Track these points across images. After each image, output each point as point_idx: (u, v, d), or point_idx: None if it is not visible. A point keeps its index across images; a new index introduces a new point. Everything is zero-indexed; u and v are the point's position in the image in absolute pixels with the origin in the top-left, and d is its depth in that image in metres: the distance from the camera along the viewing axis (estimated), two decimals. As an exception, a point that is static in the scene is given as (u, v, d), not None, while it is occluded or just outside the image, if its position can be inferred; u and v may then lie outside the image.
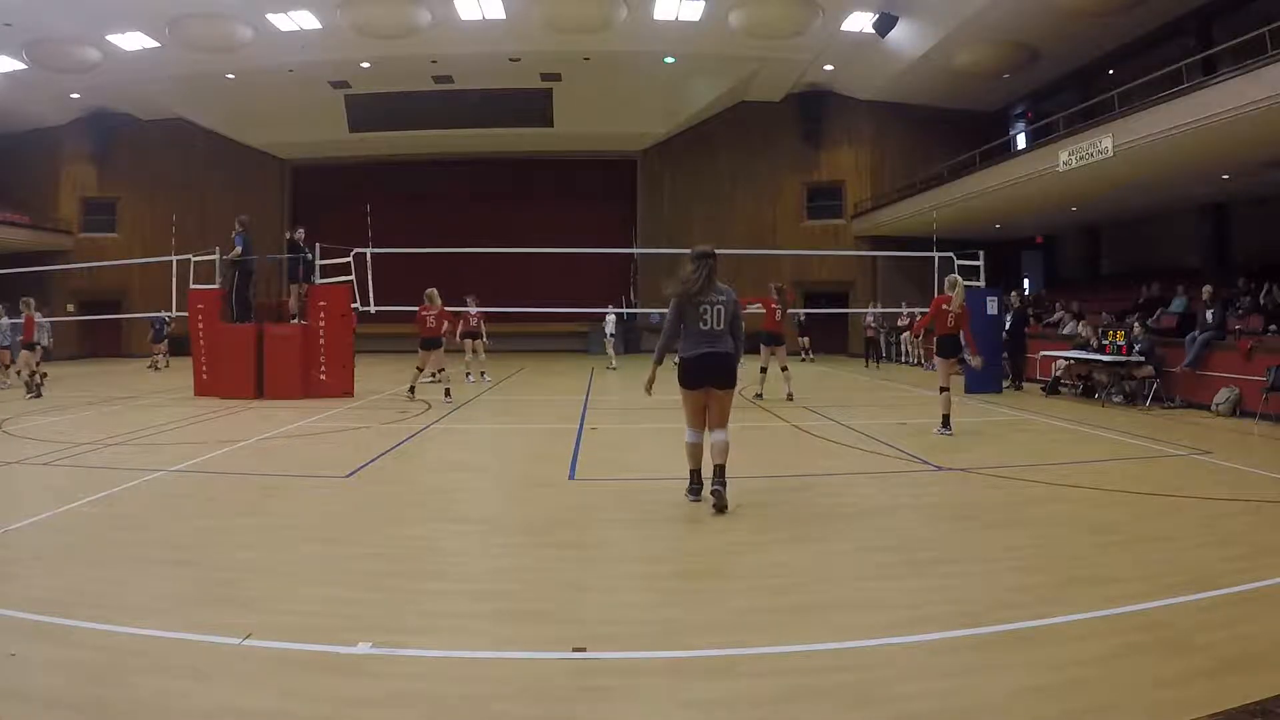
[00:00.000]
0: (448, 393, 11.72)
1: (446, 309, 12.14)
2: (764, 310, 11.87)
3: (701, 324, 5.21)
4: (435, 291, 11.87)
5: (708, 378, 5.22)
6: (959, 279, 9.24)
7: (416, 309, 11.92)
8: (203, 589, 3.80)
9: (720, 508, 5.12)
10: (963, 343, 9.12)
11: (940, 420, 8.64)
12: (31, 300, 13.56)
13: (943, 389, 8.81)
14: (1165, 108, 12.23)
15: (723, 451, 5.28)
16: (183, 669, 2.93)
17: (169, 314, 15.41)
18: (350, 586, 3.87)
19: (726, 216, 24.82)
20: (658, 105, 23.70)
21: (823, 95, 24.43)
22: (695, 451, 5.44)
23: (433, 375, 12.41)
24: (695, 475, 5.46)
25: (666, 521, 5.03)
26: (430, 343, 11.77)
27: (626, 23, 19.59)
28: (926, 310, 9.96)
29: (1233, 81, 10.96)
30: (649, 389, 5.65)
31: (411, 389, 11.99)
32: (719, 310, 5.22)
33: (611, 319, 18.21)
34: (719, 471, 5.24)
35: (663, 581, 3.99)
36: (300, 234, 13.38)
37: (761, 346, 12.21)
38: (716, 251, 5.38)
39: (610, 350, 18.45)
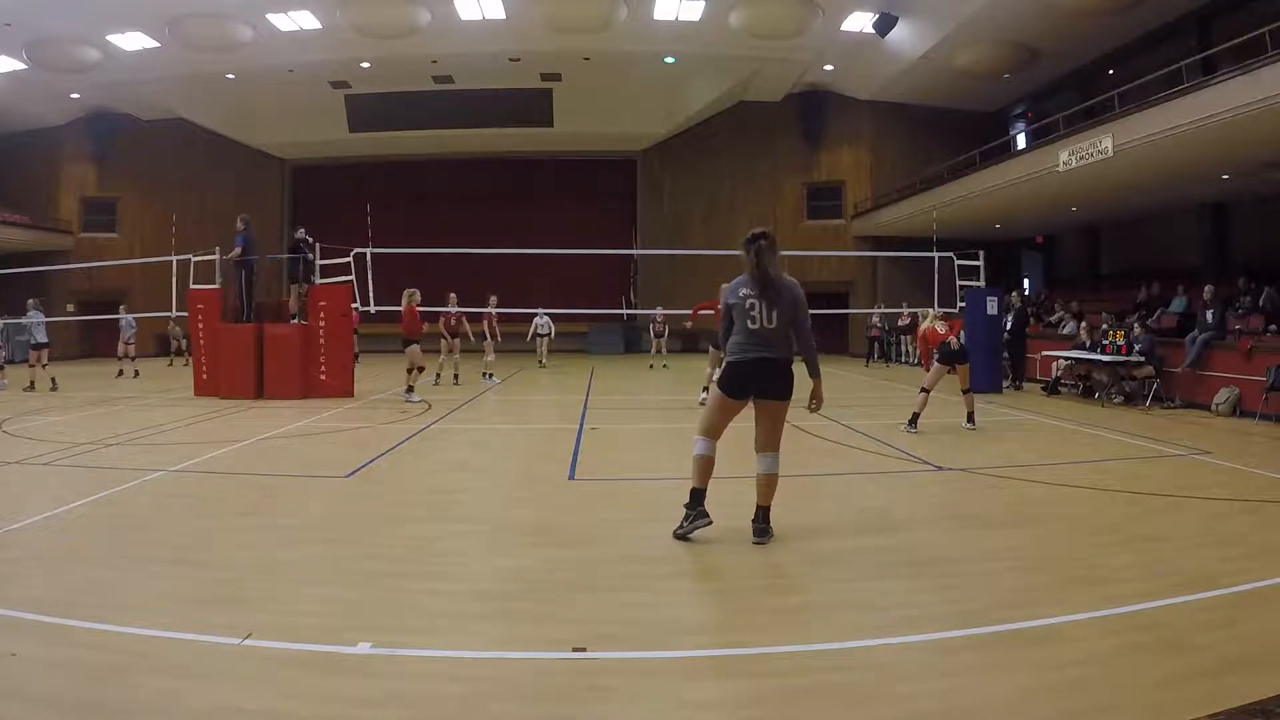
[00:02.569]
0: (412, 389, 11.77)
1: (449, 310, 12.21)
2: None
3: (750, 322, 4.35)
4: (416, 291, 12.00)
5: (756, 386, 4.42)
6: (930, 311, 10.06)
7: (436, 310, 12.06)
8: (203, 589, 3.80)
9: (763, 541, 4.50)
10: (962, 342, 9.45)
11: (909, 418, 8.88)
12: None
13: (924, 389, 9.02)
14: (1165, 108, 12.23)
15: (770, 489, 4.50)
16: (183, 669, 2.93)
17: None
18: (350, 586, 3.87)
19: (726, 216, 24.82)
20: (658, 105, 23.70)
21: (823, 95, 24.42)
22: (707, 467, 4.51)
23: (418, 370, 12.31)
24: (699, 496, 4.49)
25: (666, 521, 5.01)
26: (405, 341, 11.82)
27: (626, 23, 19.60)
28: (926, 309, 10.50)
29: (1232, 82, 10.96)
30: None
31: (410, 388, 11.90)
32: (769, 306, 4.35)
33: (545, 320, 18.68)
34: (762, 514, 4.51)
35: (663, 581, 3.98)
36: (301, 233, 13.41)
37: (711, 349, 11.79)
38: (765, 233, 4.41)
39: (543, 349, 18.93)
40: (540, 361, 18.87)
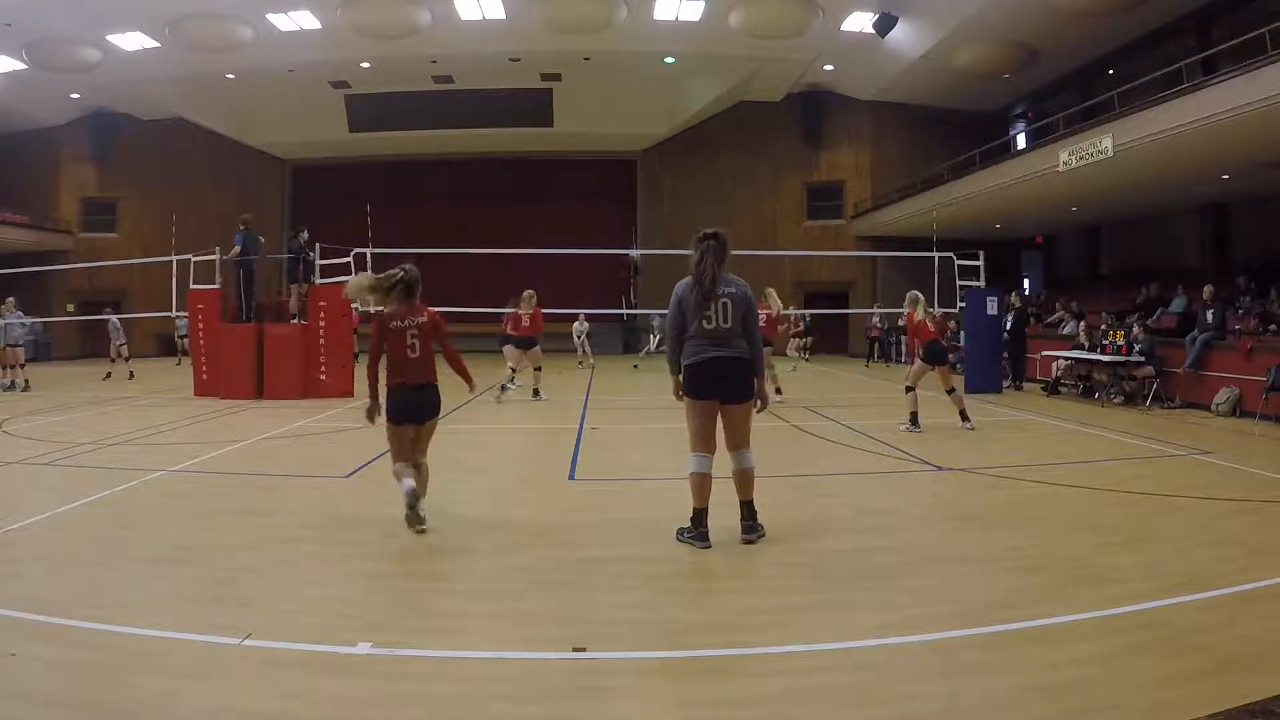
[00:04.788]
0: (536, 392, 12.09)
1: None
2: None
3: (705, 323, 4.37)
4: (533, 293, 12.25)
5: (717, 387, 4.40)
6: (919, 295, 9.45)
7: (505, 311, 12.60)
8: (203, 589, 3.80)
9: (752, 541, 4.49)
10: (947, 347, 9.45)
11: (908, 418, 8.89)
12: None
13: (909, 388, 9.06)
14: (1165, 108, 12.23)
15: (748, 483, 4.50)
16: (183, 669, 2.93)
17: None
18: (350, 586, 3.87)
19: (726, 217, 24.69)
20: (658, 105, 23.69)
21: (823, 95, 24.42)
22: (703, 485, 4.45)
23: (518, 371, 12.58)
24: (700, 516, 4.47)
25: (666, 521, 5.01)
26: (525, 341, 12.12)
27: (626, 23, 19.59)
28: (926, 310, 10.35)
29: (1233, 81, 10.96)
30: (679, 394, 4.62)
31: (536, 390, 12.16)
32: (725, 305, 4.36)
33: (586, 326, 19.76)
34: (747, 510, 4.53)
35: (663, 581, 3.99)
36: (304, 234, 13.41)
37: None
38: (716, 233, 4.46)
39: (587, 350, 19.82)
40: (579, 362, 19.22)
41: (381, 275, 4.87)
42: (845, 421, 9.58)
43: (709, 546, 4.44)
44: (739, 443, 4.54)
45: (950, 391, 9.13)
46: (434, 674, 2.93)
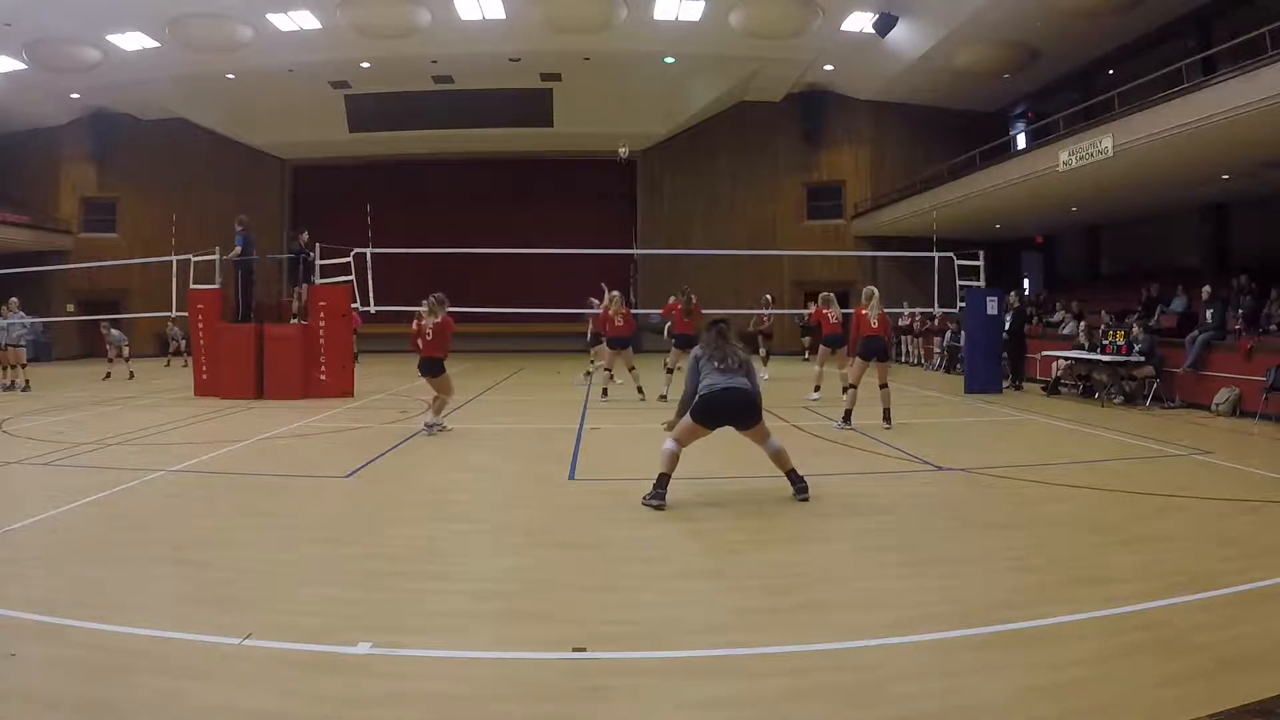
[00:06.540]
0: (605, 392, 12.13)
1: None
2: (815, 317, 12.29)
3: (718, 364, 5.47)
4: (620, 294, 12.22)
5: (728, 416, 5.38)
6: (874, 290, 9.39)
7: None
8: (203, 589, 3.80)
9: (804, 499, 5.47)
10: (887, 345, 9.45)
11: (842, 415, 9.05)
12: None
13: (850, 387, 9.14)
14: (1165, 108, 12.22)
15: (784, 458, 5.54)
16: (183, 669, 2.93)
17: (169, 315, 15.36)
18: (350, 586, 3.87)
19: (726, 216, 24.80)
20: (658, 105, 23.69)
21: (823, 95, 24.41)
22: (670, 459, 5.37)
23: (607, 370, 12.58)
24: (664, 480, 5.33)
25: (666, 521, 5.03)
26: (619, 341, 12.04)
27: (626, 23, 19.59)
28: (926, 310, 10.35)
29: (1232, 82, 10.95)
30: (671, 426, 5.62)
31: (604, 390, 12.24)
32: (732, 356, 5.51)
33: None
34: (793, 476, 5.53)
35: (663, 581, 3.99)
36: (304, 236, 13.41)
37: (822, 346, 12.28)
38: (726, 319, 5.82)
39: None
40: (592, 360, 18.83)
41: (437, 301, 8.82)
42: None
43: (663, 507, 5.20)
44: (764, 438, 5.52)
45: (883, 387, 9.17)
46: (434, 674, 2.94)
